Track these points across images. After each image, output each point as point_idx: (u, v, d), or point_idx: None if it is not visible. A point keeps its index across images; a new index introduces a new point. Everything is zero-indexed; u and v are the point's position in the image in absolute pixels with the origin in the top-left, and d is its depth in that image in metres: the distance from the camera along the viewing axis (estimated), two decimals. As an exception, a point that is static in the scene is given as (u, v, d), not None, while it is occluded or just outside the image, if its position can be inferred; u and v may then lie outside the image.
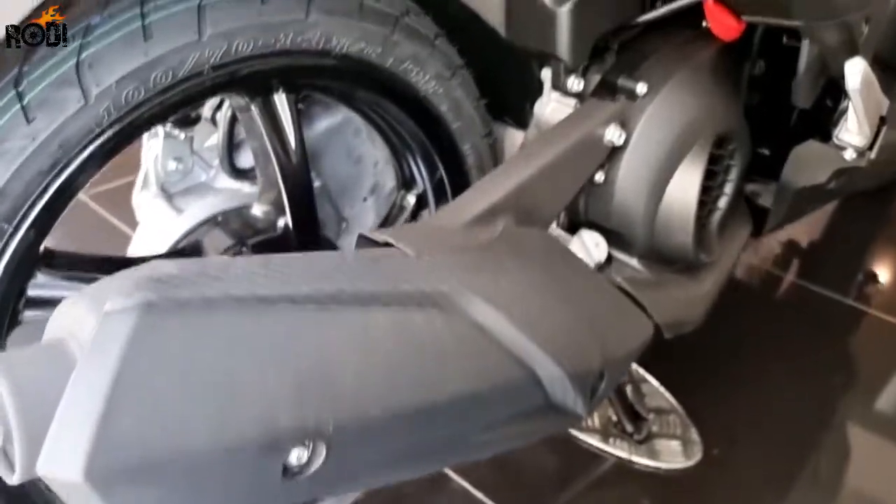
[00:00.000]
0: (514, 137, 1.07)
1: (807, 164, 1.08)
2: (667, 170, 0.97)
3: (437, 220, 0.80)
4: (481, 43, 0.96)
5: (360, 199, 1.12)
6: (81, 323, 0.50)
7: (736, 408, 1.36)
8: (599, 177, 0.96)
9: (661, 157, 0.96)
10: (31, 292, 0.72)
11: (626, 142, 0.94)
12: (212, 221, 0.88)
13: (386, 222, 1.07)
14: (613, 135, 0.92)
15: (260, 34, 0.72)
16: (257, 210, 0.88)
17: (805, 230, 1.90)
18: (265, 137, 0.82)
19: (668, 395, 1.39)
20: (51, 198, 0.65)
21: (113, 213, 1.72)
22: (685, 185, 0.98)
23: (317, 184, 1.01)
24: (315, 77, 0.81)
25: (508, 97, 1.04)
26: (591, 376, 0.72)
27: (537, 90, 0.99)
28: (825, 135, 1.07)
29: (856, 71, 0.89)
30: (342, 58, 0.80)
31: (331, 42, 0.78)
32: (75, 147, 0.64)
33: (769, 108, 1.17)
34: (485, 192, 0.82)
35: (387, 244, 0.69)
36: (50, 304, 0.74)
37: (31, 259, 0.68)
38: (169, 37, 0.66)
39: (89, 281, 0.75)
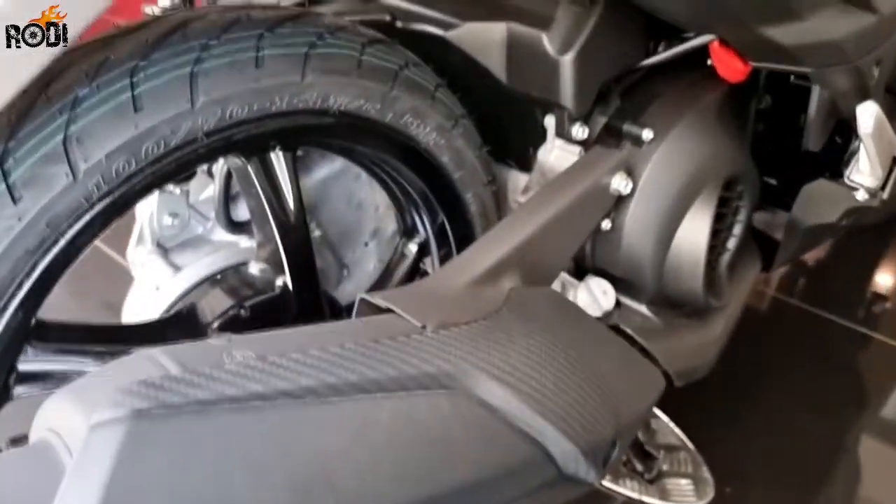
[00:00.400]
0: (517, 180, 1.05)
1: (817, 203, 1.06)
2: (675, 216, 0.95)
3: (441, 278, 0.78)
4: (482, 88, 0.94)
5: (362, 245, 1.10)
6: (68, 425, 0.48)
7: (747, 442, 1.33)
8: (606, 224, 0.93)
9: (669, 203, 0.93)
10: (22, 367, 0.70)
11: (633, 189, 0.92)
12: (208, 282, 0.85)
13: (388, 270, 1.04)
14: (620, 184, 0.89)
15: (255, 98, 0.69)
16: (254, 269, 0.86)
17: (810, 253, 1.87)
18: (262, 196, 0.79)
19: (678, 431, 1.36)
20: (39, 276, 0.62)
21: (111, 247, 1.70)
22: (694, 231, 0.96)
23: (316, 233, 0.98)
24: (313, 135, 0.79)
25: (511, 141, 1.01)
26: (604, 446, 0.69)
27: (540, 134, 0.97)
28: (835, 170, 1.05)
29: (868, 115, 0.87)
30: (340, 115, 0.77)
31: (328, 101, 0.75)
32: (64, 224, 0.62)
33: (777, 141, 1.15)
34: (489, 249, 0.80)
35: (389, 310, 0.67)
36: (42, 377, 0.72)
37: (20, 336, 0.66)
38: (160, 107, 0.64)
39: (82, 353, 0.73)
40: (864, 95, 0.90)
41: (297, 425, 0.50)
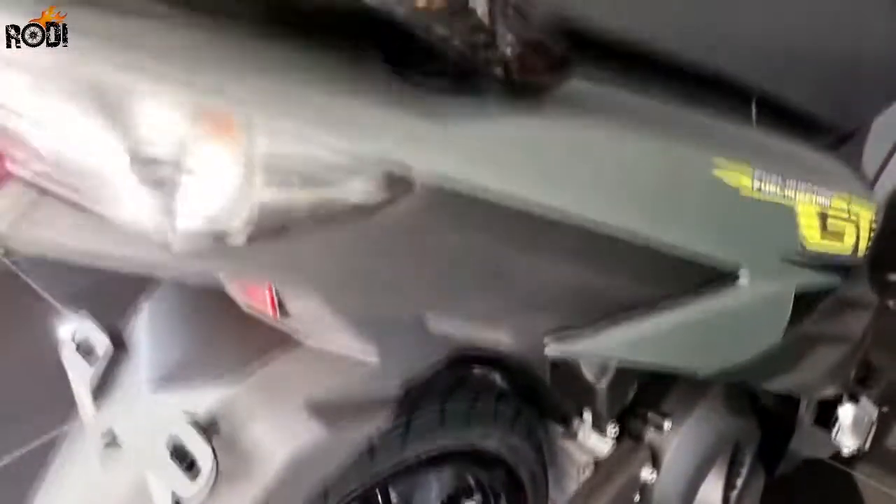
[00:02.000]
0: (558, 434, 1.25)
1: (810, 444, 1.26)
2: (694, 486, 1.14)
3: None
4: (534, 385, 1.14)
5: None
6: None
7: None
8: (636, 498, 1.13)
9: (688, 478, 1.13)
10: None
11: (658, 471, 1.12)
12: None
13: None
14: (647, 474, 1.09)
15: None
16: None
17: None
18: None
19: None
20: None
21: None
22: (710, 491, 1.16)
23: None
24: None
25: (554, 415, 1.21)
26: None
27: (578, 414, 1.17)
28: (825, 421, 1.25)
29: (847, 416, 1.07)
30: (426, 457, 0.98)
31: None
32: None
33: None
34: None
35: None
36: None
37: None
38: None
39: None
40: (846, 389, 1.11)
41: None
